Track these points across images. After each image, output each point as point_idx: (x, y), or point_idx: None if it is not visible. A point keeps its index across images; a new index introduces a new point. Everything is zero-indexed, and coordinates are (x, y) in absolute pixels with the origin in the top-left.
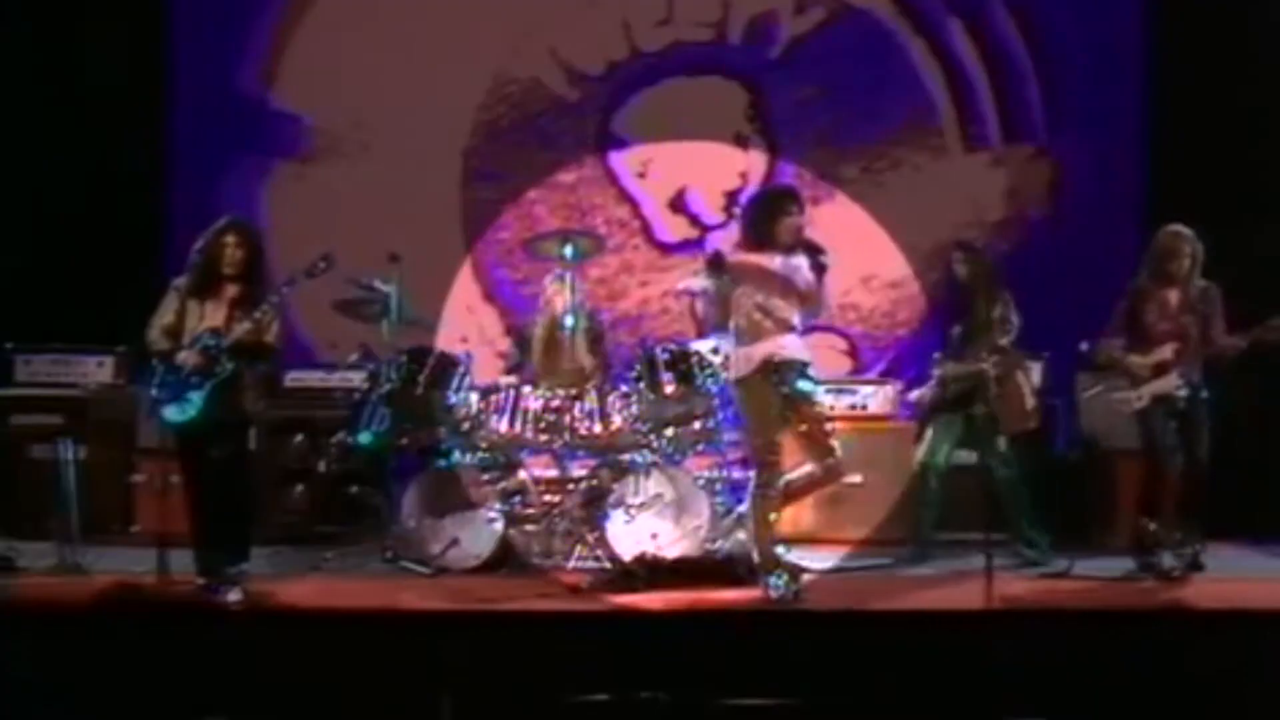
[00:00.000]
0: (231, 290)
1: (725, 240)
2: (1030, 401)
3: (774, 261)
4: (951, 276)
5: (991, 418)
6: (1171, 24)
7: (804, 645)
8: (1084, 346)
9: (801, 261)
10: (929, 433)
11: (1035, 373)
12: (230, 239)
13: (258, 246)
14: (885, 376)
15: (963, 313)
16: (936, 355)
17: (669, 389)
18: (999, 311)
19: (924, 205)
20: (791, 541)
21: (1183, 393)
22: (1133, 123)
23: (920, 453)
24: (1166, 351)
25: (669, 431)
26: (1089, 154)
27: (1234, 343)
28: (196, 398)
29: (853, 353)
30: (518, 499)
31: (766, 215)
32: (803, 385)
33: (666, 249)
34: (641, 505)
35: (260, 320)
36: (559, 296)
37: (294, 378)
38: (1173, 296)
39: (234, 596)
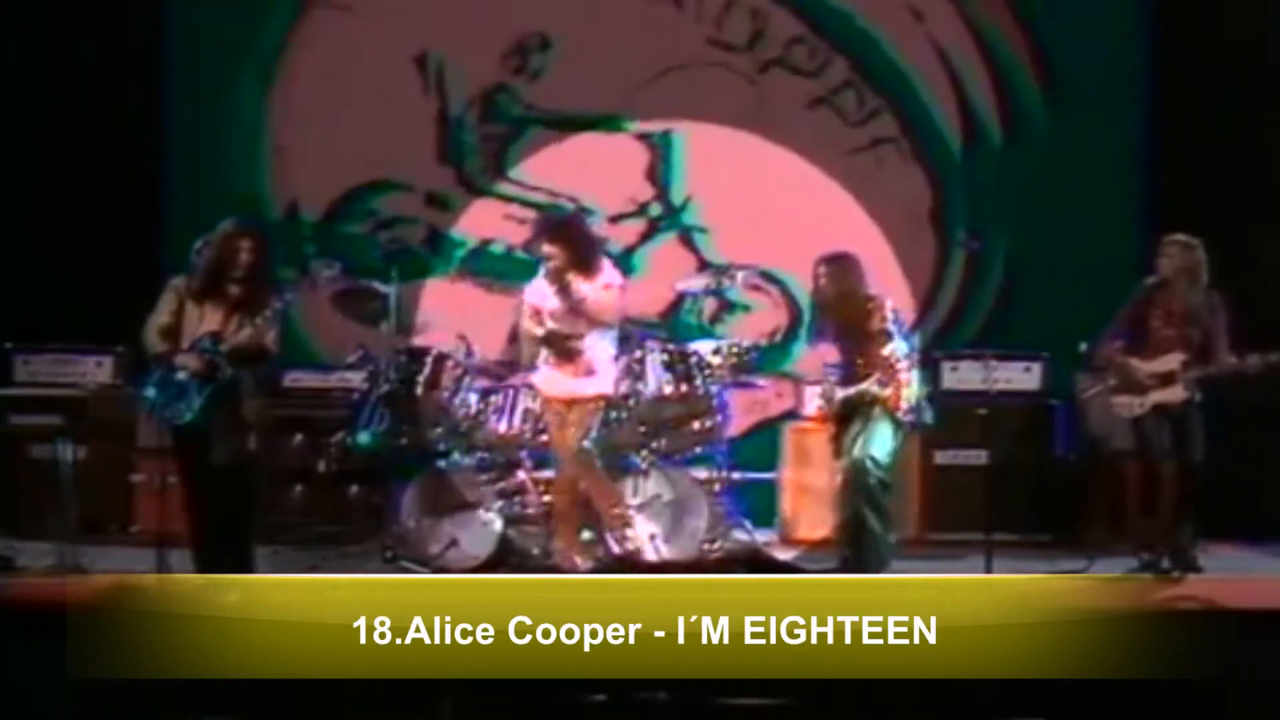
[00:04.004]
0: (234, 291)
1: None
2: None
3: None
4: (820, 292)
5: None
6: (1176, 23)
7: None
8: (1084, 347)
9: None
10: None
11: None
12: (245, 243)
13: (267, 250)
14: None
15: (839, 328)
16: (827, 383)
17: (668, 389)
18: (875, 324)
19: (925, 204)
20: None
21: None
22: (1135, 123)
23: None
24: (1174, 361)
25: (668, 432)
26: (1090, 154)
27: (1238, 364)
28: (196, 402)
29: None
30: (517, 499)
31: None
32: None
33: None
34: (641, 505)
35: (260, 326)
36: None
37: (294, 378)
38: (1178, 304)
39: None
